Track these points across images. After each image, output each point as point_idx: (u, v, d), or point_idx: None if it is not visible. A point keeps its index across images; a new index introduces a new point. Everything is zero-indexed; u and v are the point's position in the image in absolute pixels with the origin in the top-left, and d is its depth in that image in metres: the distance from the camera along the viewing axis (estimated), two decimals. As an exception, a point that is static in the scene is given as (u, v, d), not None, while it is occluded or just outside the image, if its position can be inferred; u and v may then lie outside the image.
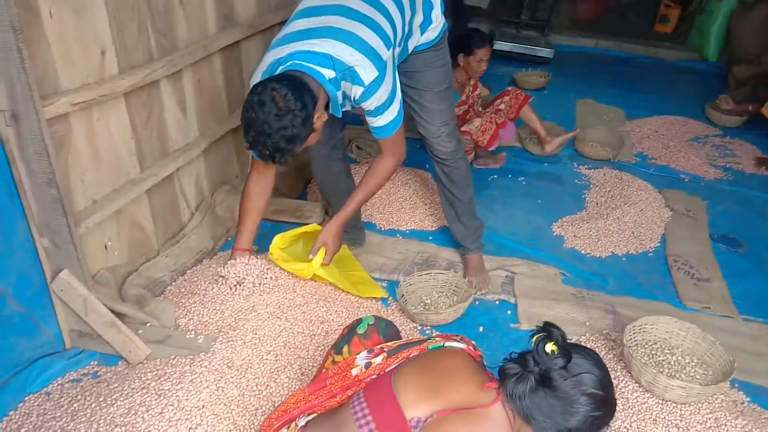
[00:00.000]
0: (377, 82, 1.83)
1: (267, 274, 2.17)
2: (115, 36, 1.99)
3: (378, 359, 1.52)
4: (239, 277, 2.15)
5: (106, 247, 2.11)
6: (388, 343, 1.59)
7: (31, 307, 1.84)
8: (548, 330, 1.36)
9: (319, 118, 1.79)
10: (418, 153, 3.57)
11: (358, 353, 1.57)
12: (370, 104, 1.89)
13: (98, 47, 1.93)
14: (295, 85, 1.71)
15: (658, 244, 2.96)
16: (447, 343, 1.52)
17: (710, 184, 3.62)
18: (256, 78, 1.92)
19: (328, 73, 1.79)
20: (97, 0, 1.89)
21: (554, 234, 3.01)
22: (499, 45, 5.71)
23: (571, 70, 5.61)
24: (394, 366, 1.48)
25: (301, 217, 2.75)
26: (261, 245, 2.35)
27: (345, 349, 1.63)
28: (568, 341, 1.38)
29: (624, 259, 2.84)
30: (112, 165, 2.08)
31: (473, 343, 1.59)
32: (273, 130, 1.69)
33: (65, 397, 1.81)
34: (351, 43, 1.80)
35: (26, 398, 1.82)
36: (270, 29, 2.91)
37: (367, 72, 1.81)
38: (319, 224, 2.59)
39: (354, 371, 1.51)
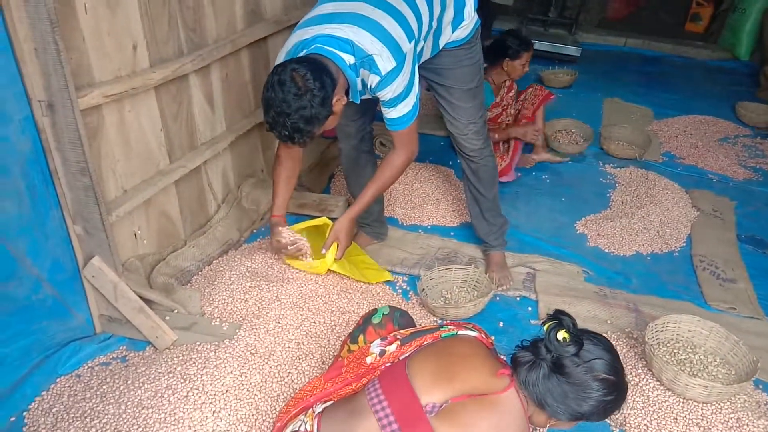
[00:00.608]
0: (394, 72, 1.85)
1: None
2: (147, 30, 2.04)
3: (392, 347, 1.54)
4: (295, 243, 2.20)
5: (135, 235, 2.17)
6: (402, 331, 1.62)
7: (63, 292, 1.91)
8: (559, 318, 1.38)
9: (339, 101, 1.82)
10: (441, 149, 3.61)
11: (373, 341, 1.60)
12: (385, 94, 1.91)
13: (130, 41, 1.99)
14: (315, 66, 1.74)
15: (684, 244, 2.93)
16: (460, 332, 1.54)
17: (739, 185, 3.56)
18: (280, 58, 1.96)
19: (349, 59, 1.82)
20: (130, -5, 1.94)
21: (578, 232, 2.99)
22: (526, 43, 5.69)
23: (598, 69, 5.56)
24: (408, 353, 1.51)
25: (324, 211, 2.79)
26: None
27: (360, 338, 1.66)
28: (579, 328, 1.40)
29: (648, 258, 2.82)
30: (143, 156, 2.14)
31: (485, 331, 1.61)
32: (292, 110, 1.72)
33: (95, 379, 1.87)
34: (373, 32, 1.83)
35: (57, 380, 1.88)
36: (296, 25, 2.95)
37: (385, 62, 1.83)
38: (330, 218, 2.63)
39: (369, 359, 1.54)
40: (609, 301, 2.47)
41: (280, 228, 2.19)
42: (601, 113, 4.47)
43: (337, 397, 1.54)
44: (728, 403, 1.94)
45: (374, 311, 1.73)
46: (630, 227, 2.97)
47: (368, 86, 1.90)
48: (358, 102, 1.96)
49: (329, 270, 2.25)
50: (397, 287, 2.46)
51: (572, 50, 5.60)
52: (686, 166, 3.75)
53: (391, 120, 2.00)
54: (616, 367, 1.39)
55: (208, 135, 2.49)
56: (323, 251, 2.19)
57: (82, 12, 1.79)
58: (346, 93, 1.91)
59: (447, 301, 2.39)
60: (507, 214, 2.85)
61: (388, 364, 1.52)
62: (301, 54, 1.85)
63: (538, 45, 5.65)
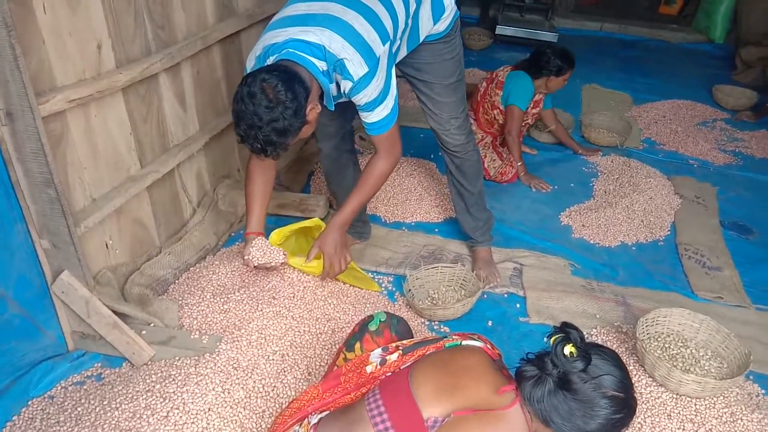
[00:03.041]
0: (367, 77, 1.77)
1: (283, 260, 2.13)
2: (111, 29, 1.93)
3: (393, 356, 1.48)
4: (261, 260, 2.09)
5: (107, 246, 2.06)
6: (404, 341, 1.56)
7: (31, 310, 1.80)
8: (566, 331, 1.33)
9: (312, 110, 1.74)
10: (422, 142, 3.53)
11: (371, 350, 1.54)
12: (360, 99, 1.83)
13: (94, 41, 1.87)
14: (286, 75, 1.66)
15: (669, 233, 2.91)
16: (464, 342, 1.48)
17: (720, 170, 3.57)
18: (250, 61, 1.87)
19: (321, 65, 1.74)
20: (92, -8, 1.83)
21: (562, 224, 2.96)
22: (502, 29, 5.63)
23: (575, 54, 5.51)
24: (409, 363, 1.45)
25: (305, 211, 2.71)
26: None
27: (357, 346, 1.60)
28: (587, 341, 1.35)
29: (634, 248, 2.79)
30: (112, 162, 2.03)
31: (490, 341, 1.56)
32: (264, 123, 1.64)
33: (69, 400, 1.78)
34: (345, 35, 1.75)
35: (30, 402, 1.78)
36: (270, 19, 2.84)
37: (357, 67, 1.75)
38: (323, 219, 2.55)
39: (368, 368, 1.48)
40: (597, 295, 2.44)
41: (258, 242, 2.09)
42: (580, 100, 4.45)
43: (335, 407, 1.48)
44: (722, 398, 1.92)
45: (370, 318, 1.66)
46: (614, 217, 2.95)
47: (342, 91, 1.82)
48: (332, 109, 1.88)
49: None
50: (382, 288, 2.40)
51: (549, 36, 5.56)
52: (667, 152, 3.75)
53: (369, 125, 1.93)
54: (625, 383, 1.34)
55: (181, 136, 2.39)
56: (307, 261, 2.10)
57: (40, 12, 1.67)
58: (321, 98, 1.83)
59: (434, 302, 2.34)
60: (491, 207, 2.80)
61: (389, 373, 1.46)
62: (271, 59, 1.76)
63: (514, 31, 5.63)
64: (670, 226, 2.96)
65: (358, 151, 3.39)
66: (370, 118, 1.92)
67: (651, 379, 1.98)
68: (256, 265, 2.07)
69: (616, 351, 2.08)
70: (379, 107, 1.89)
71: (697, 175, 3.45)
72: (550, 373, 1.31)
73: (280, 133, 1.68)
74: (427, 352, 1.47)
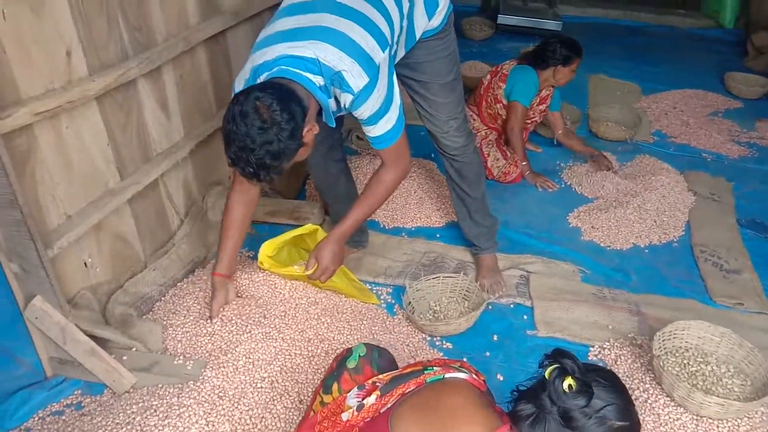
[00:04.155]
0: (368, 89, 1.63)
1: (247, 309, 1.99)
2: (82, 34, 1.79)
3: (371, 399, 1.34)
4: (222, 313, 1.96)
5: (86, 264, 1.94)
6: (381, 377, 1.41)
7: (3, 338, 1.69)
8: (560, 361, 1.19)
9: (310, 131, 1.59)
10: (422, 141, 3.36)
11: (349, 390, 1.40)
12: (362, 113, 1.69)
13: (63, 47, 1.73)
14: (281, 93, 1.50)
15: (683, 233, 2.77)
16: (447, 375, 1.34)
17: (734, 163, 3.41)
18: (239, 85, 1.72)
19: (318, 80, 1.59)
20: (57, -6, 1.69)
21: (570, 226, 2.82)
22: (504, 18, 5.46)
23: (580, 43, 5.34)
24: (390, 405, 1.31)
25: (298, 219, 2.57)
26: (256, 249, 2.16)
27: (334, 387, 1.45)
28: (582, 366, 1.21)
29: (647, 251, 2.65)
30: (88, 176, 1.90)
31: (474, 368, 1.43)
32: (257, 145, 1.48)
33: (45, 434, 1.66)
34: (340, 46, 1.60)
35: (4, 436, 1.67)
36: (259, 15, 2.71)
37: (356, 78, 1.60)
38: (320, 225, 2.42)
39: (345, 415, 1.34)
40: (609, 304, 2.30)
41: (221, 292, 1.96)
42: (587, 92, 4.28)
43: None
44: (746, 419, 1.78)
45: (349, 352, 1.52)
46: (625, 218, 2.80)
47: (342, 105, 1.68)
48: (333, 125, 1.74)
49: (312, 282, 2.04)
50: (381, 300, 2.27)
51: (553, 25, 5.40)
52: (678, 145, 3.59)
53: (374, 138, 1.78)
54: (629, 409, 1.22)
55: (165, 144, 2.25)
56: (306, 271, 1.96)
57: (-1, 19, 1.54)
58: (320, 114, 1.69)
59: (436, 315, 2.20)
60: (494, 210, 2.66)
61: (368, 419, 1.32)
62: (261, 79, 1.61)
63: (517, 20, 5.46)
64: (685, 225, 2.81)
65: (356, 152, 3.26)
66: (373, 131, 1.78)
67: (669, 399, 1.85)
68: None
69: (631, 367, 1.99)
70: (382, 120, 1.75)
71: (711, 170, 3.30)
72: (549, 411, 1.17)
73: (275, 157, 1.52)
74: (408, 390, 1.32)
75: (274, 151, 1.50)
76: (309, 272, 1.95)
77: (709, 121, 3.87)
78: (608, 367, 2.01)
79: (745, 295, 2.36)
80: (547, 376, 1.19)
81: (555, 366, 1.19)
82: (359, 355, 1.49)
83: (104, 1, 1.85)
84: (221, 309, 1.95)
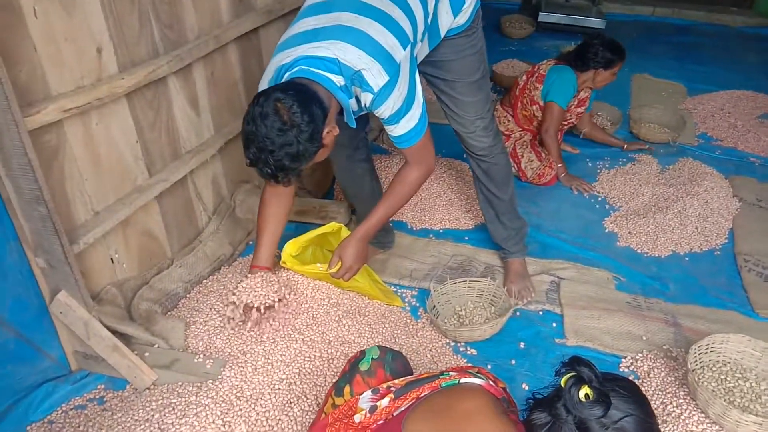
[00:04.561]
0: (388, 87, 1.60)
1: (279, 301, 1.93)
2: (113, 31, 1.81)
3: (384, 401, 1.30)
4: (246, 303, 1.88)
5: (112, 260, 1.96)
6: (395, 381, 1.38)
7: (29, 332, 1.72)
8: (577, 369, 1.14)
9: (330, 133, 1.58)
10: (453, 141, 3.30)
11: (361, 393, 1.37)
12: (383, 112, 1.66)
13: (93, 45, 1.75)
14: (302, 95, 1.49)
15: (726, 241, 2.64)
16: (463, 380, 1.30)
17: (785, 169, 3.24)
18: (263, 86, 1.71)
19: (338, 80, 1.57)
20: (89, -8, 1.71)
21: (606, 231, 2.72)
22: (546, 16, 5.34)
23: (625, 42, 5.03)
24: (403, 408, 1.27)
25: (325, 218, 2.55)
26: (281, 248, 2.14)
27: (346, 389, 1.42)
28: (600, 374, 1.15)
29: (686, 258, 2.54)
30: (116, 172, 1.92)
31: (492, 375, 1.38)
32: (276, 147, 1.48)
33: (67, 427, 1.69)
34: (359, 45, 1.57)
35: (28, 428, 1.70)
36: (292, 13, 2.69)
37: (376, 77, 1.57)
38: (346, 225, 2.39)
39: (357, 417, 1.31)
40: (644, 313, 2.21)
41: (247, 283, 1.89)
42: (629, 92, 4.14)
43: None
44: (786, 441, 1.68)
45: (362, 354, 1.49)
46: (665, 223, 2.69)
47: (363, 104, 1.65)
48: (354, 126, 1.71)
49: (336, 283, 2.03)
50: (405, 303, 2.23)
51: (596, 22, 5.24)
52: (725, 148, 3.44)
53: (396, 138, 1.76)
54: (648, 422, 1.14)
55: (194, 142, 2.27)
56: (329, 270, 1.94)
57: (30, 17, 1.56)
58: (341, 113, 1.67)
59: (461, 319, 2.15)
60: (526, 213, 2.60)
61: (381, 422, 1.29)
62: (284, 79, 1.60)
63: (559, 18, 5.33)
64: (728, 233, 2.68)
65: (386, 152, 3.22)
66: (396, 131, 1.75)
67: (704, 416, 1.76)
68: (245, 302, 1.84)
69: (665, 380, 1.90)
70: (404, 118, 1.71)
71: (759, 175, 3.14)
72: (565, 421, 1.12)
73: (294, 158, 1.52)
74: (422, 394, 1.28)
75: (293, 153, 1.49)
76: (332, 271, 1.92)
77: (758, 124, 3.69)
78: (640, 380, 1.93)
79: (791, 309, 2.23)
80: (563, 384, 1.14)
81: (571, 374, 1.14)
82: (372, 358, 1.46)
83: (135, -1, 1.87)
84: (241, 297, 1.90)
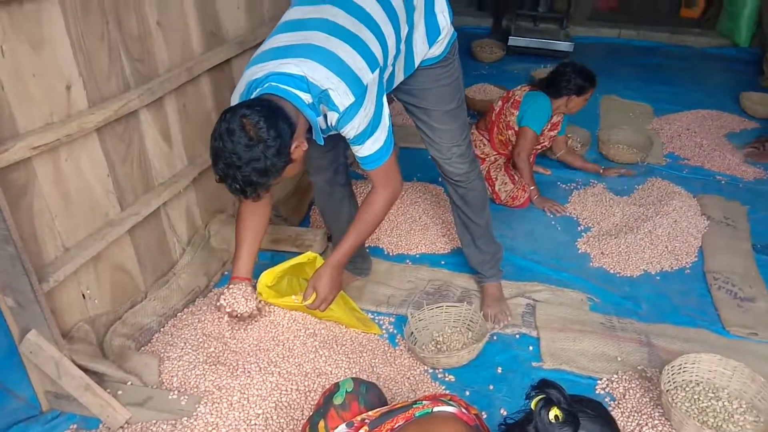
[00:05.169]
0: (353, 108, 1.63)
1: (259, 310, 2.00)
2: (82, 68, 1.81)
3: None
4: (234, 308, 1.95)
5: (84, 296, 1.94)
6: (370, 413, 1.38)
7: (-1, 373, 1.68)
8: (546, 391, 1.16)
9: (298, 148, 1.60)
10: (427, 165, 3.34)
11: (336, 428, 1.37)
12: (348, 132, 1.69)
13: (62, 82, 1.75)
14: (269, 111, 1.52)
15: (696, 259, 2.69)
16: (435, 408, 1.31)
17: (750, 186, 3.33)
18: (234, 100, 1.74)
19: (306, 97, 1.61)
20: (57, 31, 1.71)
21: (579, 252, 2.76)
22: (515, 40, 5.45)
23: (592, 64, 5.14)
24: None
25: (300, 246, 2.56)
26: (257, 277, 2.14)
27: (321, 424, 1.43)
28: (568, 396, 1.17)
29: (658, 278, 2.58)
30: (86, 207, 1.91)
31: (464, 402, 1.40)
32: (243, 162, 1.50)
33: (38, 470, 1.64)
34: (328, 65, 1.60)
35: (-3, 472, 1.66)
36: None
37: (342, 97, 1.61)
38: (321, 254, 2.40)
39: None
40: (618, 334, 2.24)
41: (232, 289, 1.96)
42: (598, 113, 4.23)
43: None
44: (759, 458, 1.71)
45: (336, 387, 1.49)
46: (636, 243, 2.73)
47: (329, 123, 1.68)
48: (322, 143, 1.74)
49: (312, 313, 2.02)
50: (383, 330, 2.23)
51: (564, 46, 5.36)
52: (692, 167, 3.52)
53: (362, 159, 1.78)
54: None
55: (167, 173, 2.26)
56: (304, 302, 1.95)
57: (-3, 55, 1.56)
58: (310, 132, 1.69)
59: (438, 345, 2.16)
60: (500, 236, 2.63)
61: None
62: (254, 95, 1.62)
63: (528, 42, 5.44)
64: (698, 251, 2.74)
65: (362, 177, 3.24)
66: (361, 152, 1.77)
67: (679, 436, 1.78)
68: (228, 312, 1.92)
69: (640, 401, 1.92)
70: (369, 140, 1.74)
71: (726, 193, 3.22)
72: None
73: (261, 174, 1.54)
74: (396, 425, 1.29)
75: (261, 168, 1.51)
76: (307, 302, 1.92)
77: (723, 142, 3.79)
78: (616, 401, 1.95)
79: (760, 325, 2.28)
80: (533, 407, 1.16)
81: (541, 396, 1.16)
82: (346, 391, 1.46)
83: (105, 35, 1.88)
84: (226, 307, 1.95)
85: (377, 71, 1.69)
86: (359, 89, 1.62)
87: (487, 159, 3.18)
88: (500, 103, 3.18)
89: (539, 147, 3.23)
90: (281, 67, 1.62)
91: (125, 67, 1.98)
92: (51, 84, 1.72)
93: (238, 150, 1.50)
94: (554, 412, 1.14)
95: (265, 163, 1.52)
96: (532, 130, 3.01)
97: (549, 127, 3.16)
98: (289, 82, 1.60)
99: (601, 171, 3.38)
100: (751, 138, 3.83)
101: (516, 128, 3.08)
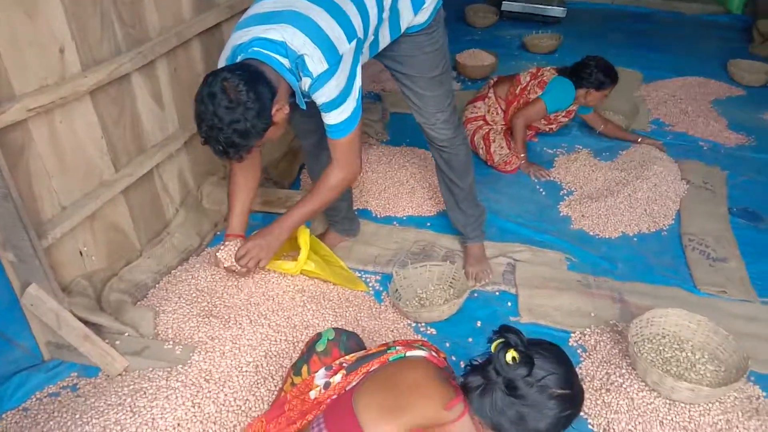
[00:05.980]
0: (326, 75, 1.69)
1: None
2: (75, 33, 1.86)
3: (337, 377, 1.42)
4: (228, 263, 2.03)
5: (81, 253, 2.02)
6: (347, 357, 1.49)
7: (1, 324, 1.78)
8: (505, 336, 1.27)
9: (279, 111, 1.67)
10: (416, 131, 3.41)
11: (317, 371, 1.48)
12: (318, 98, 1.75)
13: (56, 46, 1.81)
14: (249, 75, 1.59)
15: (673, 222, 2.79)
16: (408, 353, 1.42)
17: (730, 152, 3.40)
18: (221, 64, 1.80)
19: (285, 62, 1.67)
20: (51, -1, 1.75)
21: (561, 215, 2.85)
22: (508, 5, 5.45)
23: (584, 30, 5.33)
24: (354, 383, 1.38)
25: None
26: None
27: (304, 368, 1.54)
28: (526, 340, 1.29)
29: (635, 239, 2.68)
30: (82, 168, 1.98)
31: (435, 347, 1.52)
32: (224, 124, 1.58)
33: (42, 413, 1.75)
34: (306, 31, 1.66)
35: (3, 416, 1.76)
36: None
37: (316, 64, 1.66)
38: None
39: (312, 393, 1.42)
40: (593, 291, 2.34)
41: (230, 244, 2.05)
42: (587, 80, 4.26)
43: None
44: (717, 403, 1.83)
45: (318, 336, 1.60)
46: (615, 206, 2.82)
47: (303, 88, 1.74)
48: (304, 107, 1.80)
49: (303, 271, 2.13)
50: (369, 287, 2.33)
51: (557, 11, 5.37)
52: (676, 133, 3.59)
53: (329, 127, 1.84)
54: (569, 379, 1.30)
55: (159, 136, 2.33)
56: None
57: (-7, 25, 1.61)
58: (293, 95, 1.75)
59: (422, 301, 2.26)
60: (486, 199, 2.72)
61: (334, 396, 1.39)
62: (238, 59, 1.68)
63: (521, 7, 5.44)
64: (675, 214, 2.83)
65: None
66: (328, 119, 1.83)
67: (643, 384, 1.89)
68: (225, 267, 2.02)
69: (609, 353, 2.04)
70: (336, 110, 1.79)
71: (707, 159, 3.30)
72: (495, 382, 1.25)
73: (242, 135, 1.62)
74: (371, 369, 1.40)
75: (242, 129, 1.59)
76: (287, 262, 2.03)
77: (708, 110, 3.85)
78: (588, 353, 2.06)
79: (730, 283, 2.39)
80: (493, 350, 1.26)
81: (500, 340, 1.26)
82: (328, 339, 1.56)
83: (98, 1, 1.92)
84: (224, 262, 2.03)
85: (355, 42, 1.74)
86: (334, 57, 1.68)
87: (494, 128, 3.24)
88: (528, 78, 3.23)
89: (546, 125, 3.30)
90: (264, 33, 1.67)
91: (117, 31, 2.03)
92: (45, 49, 1.77)
93: (219, 112, 1.58)
94: (512, 354, 1.24)
95: (245, 125, 1.59)
96: (545, 106, 3.11)
97: (564, 114, 3.24)
98: (270, 47, 1.66)
99: (639, 140, 3.41)
100: (737, 104, 3.90)
101: None
